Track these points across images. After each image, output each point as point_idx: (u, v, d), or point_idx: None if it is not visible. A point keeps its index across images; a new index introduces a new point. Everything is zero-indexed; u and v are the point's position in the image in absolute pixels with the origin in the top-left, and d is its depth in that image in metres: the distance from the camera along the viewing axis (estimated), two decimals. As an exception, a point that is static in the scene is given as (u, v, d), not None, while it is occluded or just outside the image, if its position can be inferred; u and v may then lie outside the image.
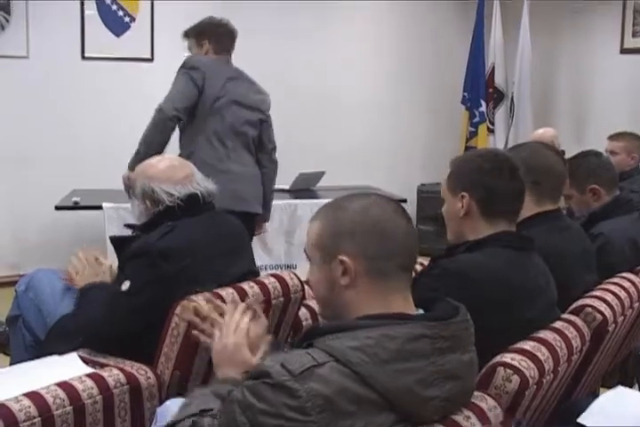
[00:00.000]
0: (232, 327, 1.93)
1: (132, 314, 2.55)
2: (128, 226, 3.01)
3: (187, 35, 4.41)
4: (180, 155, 3.98)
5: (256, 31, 6.91)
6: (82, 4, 6.35)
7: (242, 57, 6.82)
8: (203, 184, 2.81)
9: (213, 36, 4.35)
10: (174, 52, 6.60)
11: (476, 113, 7.36)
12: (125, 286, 2.57)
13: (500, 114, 7.45)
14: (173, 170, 2.79)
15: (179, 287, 2.50)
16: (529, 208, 2.64)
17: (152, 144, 4.05)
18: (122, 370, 2.42)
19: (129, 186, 3.11)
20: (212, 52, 4.33)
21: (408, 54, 7.68)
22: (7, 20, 6.07)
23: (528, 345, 2.02)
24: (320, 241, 1.71)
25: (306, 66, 7.21)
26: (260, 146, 4.45)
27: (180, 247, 2.58)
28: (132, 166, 3.87)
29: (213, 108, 4.16)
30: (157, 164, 2.84)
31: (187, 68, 4.15)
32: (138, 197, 2.80)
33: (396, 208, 1.72)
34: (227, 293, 2.53)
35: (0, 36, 6.05)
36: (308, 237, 1.75)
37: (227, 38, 4.41)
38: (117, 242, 2.90)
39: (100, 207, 5.16)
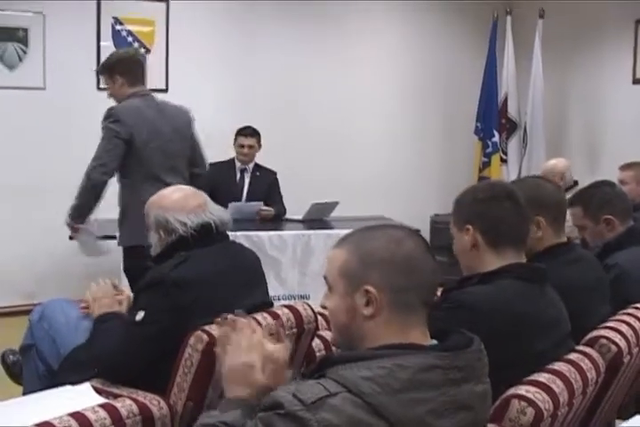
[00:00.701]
0: (243, 345, 1.89)
1: (146, 344, 2.55)
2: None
3: (100, 72, 4.49)
4: (124, 201, 4.32)
5: (270, 62, 7.00)
6: (97, 36, 6.43)
7: (256, 87, 6.95)
8: (216, 213, 2.81)
9: (124, 69, 4.36)
10: (189, 83, 6.70)
11: (489, 143, 7.37)
12: (139, 316, 2.56)
13: (513, 144, 7.45)
14: (186, 199, 2.80)
15: (192, 318, 2.50)
16: (547, 241, 2.64)
17: (88, 204, 4.30)
18: (135, 400, 2.41)
19: None
20: (126, 85, 4.37)
21: (422, 86, 7.71)
22: (24, 52, 6.15)
23: (542, 377, 2.00)
24: (346, 269, 1.69)
25: (321, 97, 7.26)
26: (194, 164, 4.61)
27: (194, 277, 2.58)
28: (72, 215, 4.30)
29: (145, 153, 4.26)
30: (170, 194, 2.86)
31: (110, 121, 4.22)
32: (152, 227, 2.81)
33: (425, 243, 1.72)
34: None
35: (17, 67, 6.14)
36: (331, 265, 1.72)
37: (137, 69, 4.43)
38: (130, 273, 2.91)
39: (114, 237, 5.16)
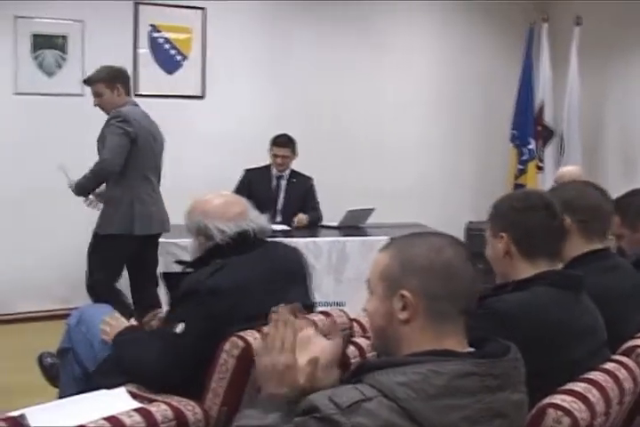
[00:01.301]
0: (278, 343, 1.85)
1: (188, 355, 2.55)
2: (179, 262, 3.04)
3: (95, 81, 4.93)
4: (115, 193, 4.85)
5: (306, 69, 7.01)
6: (135, 43, 6.49)
7: (292, 93, 6.96)
8: (255, 221, 2.83)
9: (124, 79, 5.00)
10: (225, 90, 6.74)
11: (525, 151, 7.33)
12: (180, 328, 2.57)
13: (550, 151, 7.41)
14: (227, 206, 2.82)
15: (228, 325, 2.51)
16: (577, 248, 2.62)
17: (91, 187, 4.88)
18: (170, 405, 2.42)
19: None
20: (123, 94, 4.95)
21: (456, 92, 7.69)
22: (64, 59, 6.23)
23: (578, 387, 1.98)
24: (387, 273, 1.71)
25: (356, 103, 7.26)
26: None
27: (230, 285, 2.59)
28: (77, 192, 4.86)
29: (142, 153, 4.85)
30: (212, 200, 2.87)
31: (119, 120, 4.77)
32: (192, 232, 2.83)
33: (467, 253, 1.73)
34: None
35: (56, 74, 6.20)
36: (374, 268, 1.75)
37: (129, 81, 5.08)
38: (168, 278, 2.93)
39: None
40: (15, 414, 2.34)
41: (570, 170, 5.61)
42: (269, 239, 2.94)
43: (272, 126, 6.34)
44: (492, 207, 2.42)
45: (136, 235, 4.87)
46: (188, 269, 2.86)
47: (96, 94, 4.92)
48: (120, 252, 4.89)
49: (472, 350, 1.69)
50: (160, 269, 4.99)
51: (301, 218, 5.95)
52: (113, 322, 2.98)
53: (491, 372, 1.56)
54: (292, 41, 7.03)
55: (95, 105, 4.97)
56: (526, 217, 2.30)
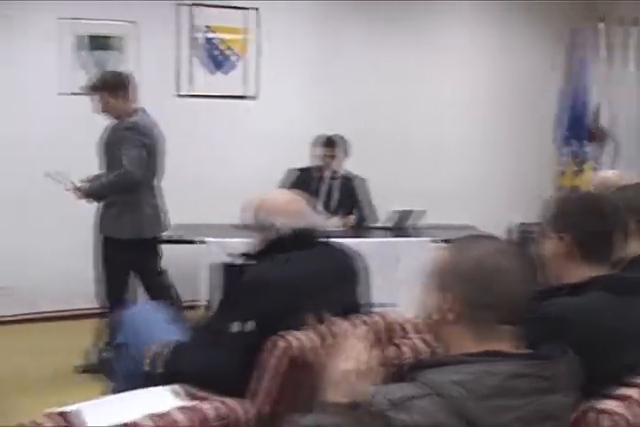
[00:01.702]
0: (346, 351, 1.89)
1: (249, 353, 2.55)
2: (239, 255, 3.05)
3: (96, 89, 4.88)
4: (125, 199, 4.84)
5: (359, 72, 7.01)
6: (188, 43, 6.54)
7: (344, 94, 6.97)
8: (314, 219, 2.85)
9: (126, 86, 4.92)
10: (277, 90, 6.76)
11: (579, 152, 7.24)
12: (242, 327, 2.57)
13: (604, 153, 7.29)
14: (289, 204, 2.86)
15: (283, 321, 2.51)
16: (637, 249, 2.58)
17: (99, 196, 4.86)
18: (222, 403, 2.44)
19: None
20: (126, 100, 4.90)
21: (506, 91, 7.60)
22: (119, 60, 6.31)
23: (628, 391, 1.95)
24: (440, 273, 1.72)
25: (406, 105, 7.22)
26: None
27: (287, 281, 2.60)
28: (90, 194, 4.81)
29: (152, 162, 4.92)
30: (274, 197, 2.94)
31: (136, 133, 4.80)
32: (252, 227, 2.86)
33: (524, 262, 1.71)
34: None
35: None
36: (433, 264, 1.76)
37: (133, 87, 4.99)
38: (227, 269, 2.96)
39: (194, 242, 5.24)
40: (69, 409, 2.37)
41: (609, 175, 5.52)
42: (324, 239, 2.94)
43: (323, 127, 6.33)
44: (553, 205, 2.37)
45: (145, 238, 4.95)
46: (248, 262, 2.88)
47: (99, 101, 4.88)
48: (131, 255, 4.93)
49: (524, 351, 1.68)
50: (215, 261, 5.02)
51: (349, 219, 5.94)
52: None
53: (541, 374, 1.56)
54: (343, 41, 7.01)
55: (100, 111, 4.92)
56: (591, 220, 2.26)
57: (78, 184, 4.82)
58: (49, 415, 2.29)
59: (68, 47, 6.19)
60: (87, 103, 5.85)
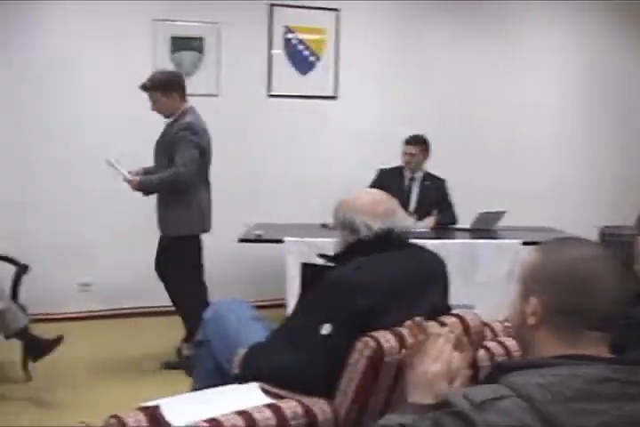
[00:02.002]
0: (434, 354, 1.89)
1: (334, 355, 2.54)
2: (321, 256, 3.05)
3: (151, 88, 4.96)
4: (181, 198, 4.97)
5: (440, 72, 6.98)
6: (269, 44, 6.59)
7: (425, 94, 6.94)
8: (402, 221, 2.83)
9: (181, 85, 5.04)
10: (358, 91, 6.76)
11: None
12: (326, 328, 2.57)
13: None
14: (377, 204, 2.84)
15: (368, 323, 2.51)
16: None
17: (149, 191, 4.98)
18: (300, 403, 2.44)
19: None
20: (179, 99, 5.01)
21: (593, 94, 7.50)
22: (200, 60, 6.38)
23: None
24: (526, 276, 1.69)
25: (489, 105, 7.19)
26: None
27: (372, 282, 2.58)
28: (142, 188, 4.91)
29: (204, 162, 5.05)
30: (362, 197, 2.91)
31: (191, 133, 4.91)
32: (338, 226, 2.86)
33: (618, 268, 1.66)
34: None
35: (193, 75, 6.35)
36: (521, 266, 1.73)
37: (184, 86, 5.09)
38: (307, 269, 2.95)
39: (280, 241, 5.26)
40: (151, 404, 2.40)
41: None
42: (411, 241, 2.92)
43: (404, 127, 6.32)
44: None
45: (195, 235, 5.11)
46: (330, 264, 2.88)
47: (152, 100, 4.98)
48: (194, 251, 5.12)
49: (612, 356, 1.63)
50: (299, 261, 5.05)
51: (431, 220, 5.92)
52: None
53: (631, 379, 1.52)
54: (424, 41, 6.99)
55: (152, 110, 5.03)
56: None
57: (129, 176, 4.93)
58: (132, 410, 2.32)
59: (161, 48, 6.32)
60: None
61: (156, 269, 5.24)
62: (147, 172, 5.09)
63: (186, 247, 5.09)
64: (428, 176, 6.09)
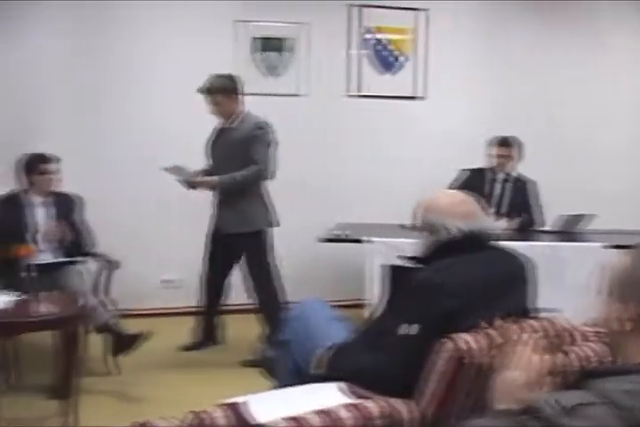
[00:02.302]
0: (517, 360, 1.87)
1: (420, 355, 2.52)
2: (402, 258, 3.04)
3: (215, 91, 5.08)
4: (250, 194, 5.16)
5: (527, 72, 6.91)
6: (356, 44, 6.61)
7: (513, 96, 6.87)
8: (484, 222, 2.80)
9: (238, 88, 5.18)
10: (446, 91, 6.73)
11: None
12: (410, 329, 2.56)
13: None
14: (457, 205, 2.83)
15: (453, 324, 2.49)
16: None
17: (230, 189, 5.09)
18: (384, 403, 2.43)
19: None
20: (237, 101, 5.17)
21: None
22: (284, 61, 6.46)
23: None
24: (618, 280, 1.65)
25: (574, 106, 7.09)
26: None
27: (458, 283, 2.57)
28: (219, 186, 5.09)
29: (272, 159, 5.19)
30: (445, 198, 2.90)
31: (265, 132, 5.11)
32: (421, 227, 2.84)
33: None
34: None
35: (277, 75, 6.42)
36: (613, 269, 1.69)
37: (242, 88, 5.24)
38: (395, 272, 2.95)
39: (362, 241, 5.26)
40: (234, 400, 2.42)
41: None
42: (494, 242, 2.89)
43: (492, 128, 6.26)
44: None
45: (262, 230, 5.27)
46: (416, 265, 2.87)
47: (214, 103, 5.09)
48: (270, 244, 5.30)
49: None
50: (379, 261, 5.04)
51: (517, 222, 5.84)
52: None
53: None
54: (510, 41, 6.92)
55: (212, 113, 5.15)
56: None
57: (199, 178, 5.07)
58: (219, 406, 2.35)
59: (242, 49, 6.38)
60: (262, 103, 6.04)
61: (212, 270, 5.41)
62: (207, 173, 5.22)
63: (266, 241, 5.23)
64: (517, 177, 6.01)
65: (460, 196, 2.93)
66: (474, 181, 5.79)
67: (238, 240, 5.19)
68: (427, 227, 2.80)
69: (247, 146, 5.05)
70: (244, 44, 6.38)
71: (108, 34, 6.09)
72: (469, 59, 6.86)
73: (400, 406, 2.45)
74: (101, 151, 6.15)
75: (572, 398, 1.49)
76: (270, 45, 6.43)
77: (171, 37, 6.18)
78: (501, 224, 5.70)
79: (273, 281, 5.26)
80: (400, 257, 3.07)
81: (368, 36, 6.65)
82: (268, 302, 5.23)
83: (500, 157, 5.93)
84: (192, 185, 5.15)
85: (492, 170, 6.00)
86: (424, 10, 6.70)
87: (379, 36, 6.66)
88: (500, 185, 5.99)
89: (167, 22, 6.18)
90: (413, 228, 2.92)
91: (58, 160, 5.04)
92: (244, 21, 6.33)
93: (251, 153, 5.04)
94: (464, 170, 6.02)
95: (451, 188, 5.64)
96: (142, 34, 6.15)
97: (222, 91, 5.07)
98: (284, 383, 3.03)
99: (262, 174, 5.11)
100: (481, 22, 6.88)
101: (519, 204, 5.95)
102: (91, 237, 5.17)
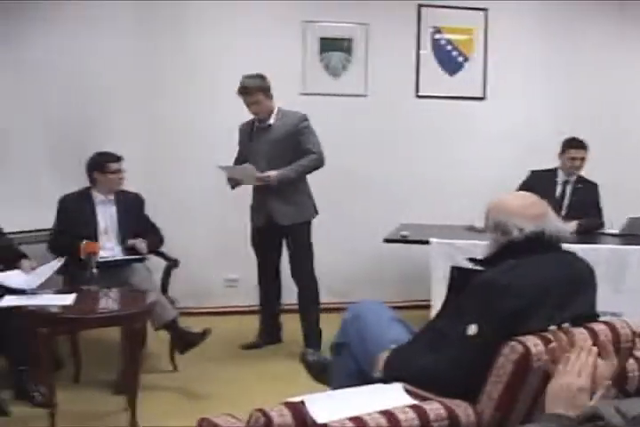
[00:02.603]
0: (577, 366, 1.85)
1: (480, 357, 2.51)
2: (471, 260, 3.03)
3: (255, 90, 5.22)
4: (300, 186, 5.34)
5: (589, 72, 6.83)
6: (417, 45, 6.58)
7: (576, 97, 6.78)
8: (554, 224, 2.78)
9: (270, 87, 5.30)
10: (506, 92, 6.67)
11: None
12: (472, 330, 2.56)
13: None
14: (528, 206, 2.80)
15: (516, 326, 2.47)
16: None
17: (290, 181, 5.22)
18: (443, 404, 2.42)
19: None
20: (272, 99, 5.32)
21: None
22: (348, 61, 6.43)
23: None
24: None
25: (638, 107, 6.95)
26: None
27: (525, 285, 2.54)
28: (282, 179, 5.17)
29: None
30: (514, 199, 2.89)
31: (309, 124, 5.31)
32: (490, 228, 2.84)
33: None
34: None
35: (341, 75, 6.42)
36: None
37: None
38: (458, 273, 2.94)
39: (426, 242, 5.24)
40: (296, 399, 2.43)
41: None
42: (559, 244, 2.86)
43: (555, 130, 6.20)
44: None
45: (309, 221, 5.44)
46: (479, 267, 2.86)
47: (254, 102, 5.23)
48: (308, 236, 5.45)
49: None
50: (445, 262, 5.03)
51: (579, 224, 5.76)
52: None
53: None
54: (571, 41, 6.83)
55: (253, 112, 5.28)
56: None
57: (258, 174, 5.14)
58: (281, 404, 2.37)
59: (311, 49, 6.43)
60: (326, 103, 6.07)
61: (265, 264, 5.53)
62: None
63: (310, 231, 5.42)
64: (582, 180, 5.94)
65: (531, 197, 2.90)
66: (541, 183, 5.72)
67: (294, 231, 5.33)
68: (498, 227, 2.79)
69: (297, 138, 5.24)
70: (313, 44, 6.42)
71: (174, 34, 6.17)
72: (530, 58, 6.78)
73: (460, 409, 2.44)
74: (163, 151, 6.24)
75: (636, 407, 1.47)
76: (336, 46, 6.45)
77: (237, 37, 6.23)
78: (571, 226, 5.63)
79: (314, 271, 5.43)
80: (468, 259, 3.06)
81: (432, 36, 6.63)
82: (311, 291, 5.41)
83: (575, 159, 5.85)
84: (235, 184, 5.29)
85: (564, 171, 5.93)
86: (483, 9, 6.66)
87: (442, 36, 6.64)
88: (571, 187, 5.92)
89: (233, 22, 6.24)
90: (483, 229, 2.91)
91: (122, 159, 5.14)
92: (311, 22, 6.37)
93: (304, 144, 5.24)
94: (534, 171, 5.96)
95: (520, 189, 5.60)
96: (208, 34, 6.21)
97: (261, 90, 5.21)
98: (341, 385, 3.03)
99: (321, 162, 5.27)
100: (544, 22, 6.79)
101: (587, 206, 5.86)
102: (158, 236, 5.25)
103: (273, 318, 5.62)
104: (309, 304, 5.42)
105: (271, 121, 5.30)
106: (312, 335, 5.41)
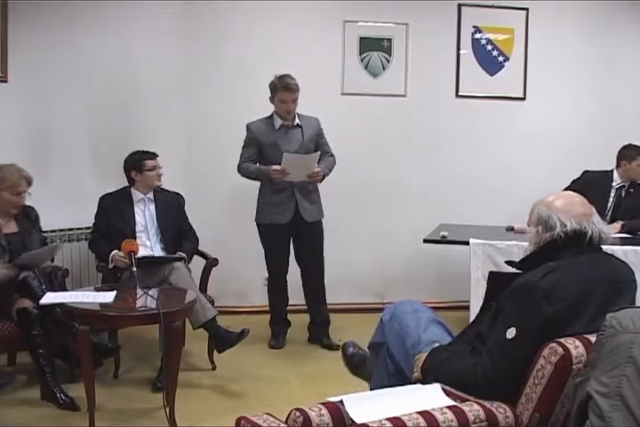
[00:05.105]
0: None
1: (518, 360, 2.50)
2: (509, 263, 3.01)
3: (297, 89, 5.32)
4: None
5: (632, 74, 6.73)
6: (457, 44, 6.55)
7: (617, 99, 6.70)
8: (598, 226, 2.76)
9: None
10: (546, 92, 6.61)
11: None
12: (511, 333, 2.54)
13: None
14: (574, 205, 2.79)
15: (556, 329, 2.46)
16: None
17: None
18: (482, 406, 2.41)
19: None
20: None
21: None
22: (388, 61, 6.41)
23: None
24: None
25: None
26: None
27: (563, 289, 2.52)
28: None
29: None
30: (561, 197, 2.87)
31: None
32: (533, 222, 2.82)
33: None
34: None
35: (381, 75, 6.40)
36: None
37: None
38: (496, 278, 2.92)
39: (466, 242, 5.21)
40: (334, 399, 2.43)
41: None
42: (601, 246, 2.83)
43: (593, 130, 6.14)
44: None
45: None
46: (517, 271, 2.84)
47: (294, 101, 5.34)
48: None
49: None
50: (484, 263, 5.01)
51: (621, 226, 5.70)
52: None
53: None
54: (613, 41, 6.76)
55: (292, 111, 5.35)
56: None
57: (316, 169, 5.27)
58: (315, 404, 2.37)
59: (351, 49, 6.42)
60: (366, 103, 6.05)
61: (283, 263, 5.54)
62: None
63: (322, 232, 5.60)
64: (634, 184, 5.86)
65: (578, 197, 2.89)
66: (594, 183, 5.67)
67: (318, 227, 5.50)
68: (540, 221, 2.77)
69: (320, 139, 5.49)
70: (353, 44, 6.41)
71: (215, 34, 6.20)
72: (571, 58, 6.73)
73: (499, 411, 2.43)
74: (203, 149, 6.29)
75: None
76: (376, 45, 6.44)
77: (278, 38, 6.25)
78: (615, 227, 5.57)
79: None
80: (507, 262, 3.04)
81: (472, 35, 6.59)
82: (323, 286, 5.55)
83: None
84: (276, 178, 5.26)
85: (613, 175, 5.88)
86: (524, 9, 6.61)
87: (482, 35, 6.60)
88: (620, 190, 5.86)
89: (274, 23, 6.26)
90: (523, 230, 2.89)
91: (157, 156, 5.17)
92: (352, 22, 6.36)
93: (325, 145, 5.52)
94: (588, 171, 5.90)
95: (570, 188, 5.54)
96: (250, 35, 6.23)
97: (299, 90, 5.34)
98: (380, 385, 3.03)
99: (335, 159, 5.55)
100: (585, 21, 6.73)
101: (633, 210, 5.78)
102: (195, 241, 5.27)
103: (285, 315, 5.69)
104: (324, 298, 5.57)
105: (295, 121, 5.38)
106: (328, 326, 5.58)
